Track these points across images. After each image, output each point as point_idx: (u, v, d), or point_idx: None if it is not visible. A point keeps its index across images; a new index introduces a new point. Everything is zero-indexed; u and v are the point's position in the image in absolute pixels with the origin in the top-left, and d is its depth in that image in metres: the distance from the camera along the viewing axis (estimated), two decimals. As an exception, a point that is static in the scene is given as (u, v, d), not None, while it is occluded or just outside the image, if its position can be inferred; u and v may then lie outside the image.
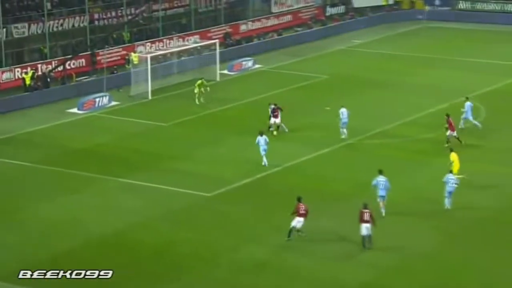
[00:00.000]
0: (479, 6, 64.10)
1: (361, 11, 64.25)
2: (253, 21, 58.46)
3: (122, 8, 51.24)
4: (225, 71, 48.68)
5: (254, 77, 48.34)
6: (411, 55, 52.88)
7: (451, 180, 28.25)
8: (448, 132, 34.44)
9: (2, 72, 44.04)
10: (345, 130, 35.61)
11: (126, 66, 47.41)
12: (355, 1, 64.60)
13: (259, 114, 38.71)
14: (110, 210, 28.88)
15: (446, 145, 33.81)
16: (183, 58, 48.95)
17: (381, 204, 27.78)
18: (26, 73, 44.25)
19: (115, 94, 43.88)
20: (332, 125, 37.42)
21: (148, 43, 50.46)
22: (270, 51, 54.31)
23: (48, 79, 44.50)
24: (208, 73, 46.89)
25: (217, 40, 49.15)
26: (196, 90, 42.40)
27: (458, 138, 34.40)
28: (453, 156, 30.18)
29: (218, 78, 46.87)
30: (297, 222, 26.07)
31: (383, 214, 27.56)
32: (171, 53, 48.25)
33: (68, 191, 30.69)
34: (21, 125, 39.04)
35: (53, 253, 25.25)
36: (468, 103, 36.42)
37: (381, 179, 27.96)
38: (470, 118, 36.29)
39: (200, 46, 48.98)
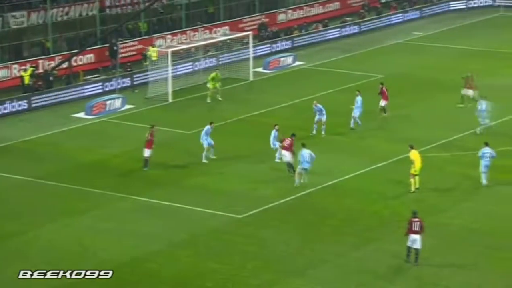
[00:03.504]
0: None
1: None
2: (293, 10, 58.65)
3: (138, -7, 51.83)
4: (260, 69, 48.89)
5: (295, 76, 48.45)
6: (487, 51, 52.58)
7: (487, 153, 31.71)
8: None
9: (-3, 70, 44.82)
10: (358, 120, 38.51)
11: (143, 62, 47.87)
12: (417, -15, 64.44)
13: (300, 120, 38.77)
14: (124, 235, 29.11)
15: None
16: (210, 53, 49.29)
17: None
18: (25, 70, 44.89)
19: (129, 96, 44.31)
20: (388, 135, 37.33)
21: (169, 36, 50.90)
22: (314, 45, 54.43)
23: (51, 78, 45.11)
24: (240, 71, 47.15)
25: (250, 32, 49.39)
26: (209, 85, 42.51)
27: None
28: (414, 155, 31.65)
29: (251, 77, 47.07)
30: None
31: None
32: (196, 48, 48.60)
33: (75, 212, 30.98)
34: (19, 133, 39.59)
35: (55, 285, 25.54)
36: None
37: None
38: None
39: (230, 39, 49.27)
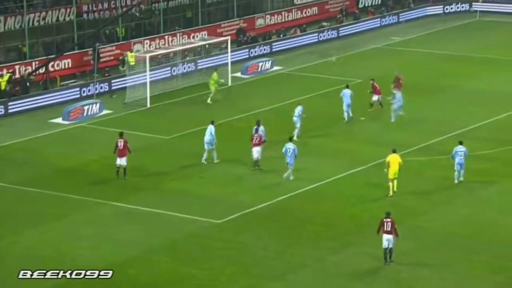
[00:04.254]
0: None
1: (401, 2, 64.47)
2: (271, 15, 58.82)
3: (116, -2, 51.79)
4: (238, 74, 48.99)
5: (273, 81, 48.60)
6: (465, 55, 52.99)
7: (460, 152, 32.85)
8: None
9: (-27, 75, 44.58)
10: (350, 113, 40.13)
11: (120, 68, 47.83)
12: (394, -10, 64.88)
13: (278, 124, 38.89)
14: (102, 241, 29.07)
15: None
16: (188, 58, 49.33)
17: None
18: (1, 76, 44.72)
19: (107, 101, 44.24)
20: (369, 138, 37.58)
21: (147, 41, 50.89)
22: (292, 50, 54.62)
23: (28, 83, 44.95)
24: (218, 76, 47.20)
25: (228, 37, 49.51)
26: (212, 87, 43.42)
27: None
28: (391, 158, 32.40)
29: (229, 82, 47.16)
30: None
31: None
32: (174, 53, 48.64)
33: (53, 218, 30.90)
34: (-4, 138, 39.48)
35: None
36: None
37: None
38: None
39: (208, 44, 49.36)
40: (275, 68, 50.71)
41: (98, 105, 43.12)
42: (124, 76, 45.87)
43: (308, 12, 60.99)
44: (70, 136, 39.96)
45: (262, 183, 33.75)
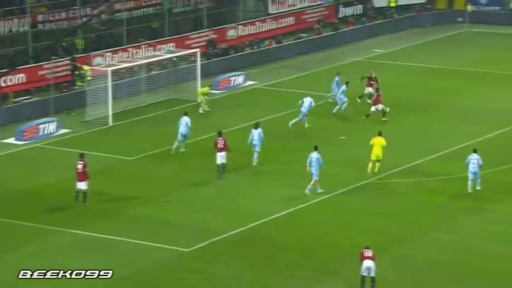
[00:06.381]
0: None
1: (383, 12, 65.00)
2: (244, 25, 59.04)
3: (74, 8, 51.72)
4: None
5: (246, 97, 48.71)
6: (453, 69, 53.51)
7: (473, 159, 34.12)
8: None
9: None
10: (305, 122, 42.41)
11: (77, 83, 47.68)
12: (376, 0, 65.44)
13: (250, 145, 38.90)
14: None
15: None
16: (153, 72, 49.34)
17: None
18: (-51, 92, 44.45)
19: (65, 119, 44.12)
20: (350, 160, 37.73)
21: (109, 53, 50.85)
22: (267, 63, 54.81)
23: (-22, 100, 44.74)
24: (186, 91, 47.25)
25: (198, 50, 49.61)
26: (201, 98, 45.20)
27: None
28: (375, 140, 35.70)
29: (199, 99, 47.17)
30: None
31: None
32: (139, 66, 48.63)
33: (5, 248, 30.66)
34: None
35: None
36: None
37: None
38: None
39: (176, 57, 49.42)
40: (248, 82, 50.86)
41: (55, 123, 42.98)
42: (84, 92, 45.72)
43: (284, 22, 61.30)
44: (24, 158, 39.76)
45: (234, 208, 33.76)
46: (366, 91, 45.89)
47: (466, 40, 60.76)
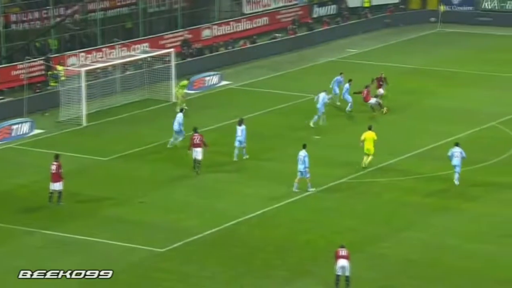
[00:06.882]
0: (510, 5, 65.38)
1: (357, 12, 65.25)
2: (219, 25, 59.05)
3: (47, 8, 51.48)
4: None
5: (220, 97, 48.73)
6: (426, 69, 53.81)
7: (456, 152, 34.80)
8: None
9: None
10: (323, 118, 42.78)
11: (51, 83, 47.47)
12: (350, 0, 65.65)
13: (226, 145, 38.96)
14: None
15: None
16: (128, 72, 49.23)
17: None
18: None
19: (38, 120, 43.91)
20: (324, 160, 37.85)
21: (83, 53, 50.68)
22: (242, 63, 54.84)
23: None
24: (161, 91, 47.17)
25: (172, 50, 49.56)
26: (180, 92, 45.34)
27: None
28: (366, 134, 36.66)
29: (173, 99, 47.14)
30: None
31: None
32: (113, 66, 48.50)
33: (-23, 248, 30.56)
34: None
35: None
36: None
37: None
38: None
39: (150, 57, 49.33)
40: (223, 82, 50.86)
41: (28, 124, 42.76)
42: (58, 92, 45.52)
43: (259, 22, 61.37)
44: (-3, 159, 39.60)
45: (209, 208, 33.75)
46: (378, 93, 45.44)
47: (439, 40, 61.11)
